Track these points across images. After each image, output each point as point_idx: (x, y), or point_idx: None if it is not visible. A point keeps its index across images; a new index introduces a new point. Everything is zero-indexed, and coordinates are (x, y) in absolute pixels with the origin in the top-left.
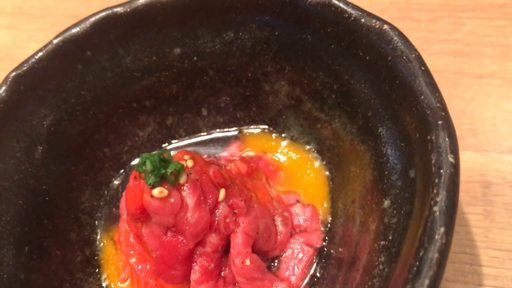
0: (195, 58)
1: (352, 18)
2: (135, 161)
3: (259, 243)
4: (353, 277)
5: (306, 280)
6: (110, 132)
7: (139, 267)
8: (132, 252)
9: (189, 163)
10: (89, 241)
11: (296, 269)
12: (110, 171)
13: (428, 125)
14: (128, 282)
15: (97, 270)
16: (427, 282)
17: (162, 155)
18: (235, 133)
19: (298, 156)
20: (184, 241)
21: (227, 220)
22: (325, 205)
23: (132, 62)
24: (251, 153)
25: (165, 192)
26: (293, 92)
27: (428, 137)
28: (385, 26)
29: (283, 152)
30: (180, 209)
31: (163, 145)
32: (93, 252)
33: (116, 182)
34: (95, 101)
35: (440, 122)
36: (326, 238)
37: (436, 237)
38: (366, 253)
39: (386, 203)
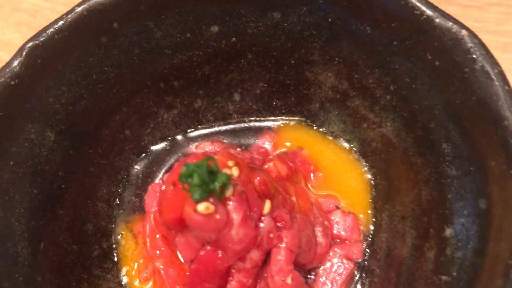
0: (234, 39)
1: (424, 17)
2: (157, 146)
3: (299, 257)
4: None
5: None
6: (132, 113)
7: (166, 271)
8: (158, 253)
9: (235, 172)
10: (106, 233)
11: (334, 285)
12: (130, 154)
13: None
14: (150, 284)
15: (115, 266)
16: None
17: (208, 164)
18: (269, 123)
19: (337, 155)
20: (224, 257)
21: (271, 235)
22: (369, 212)
23: (163, 37)
24: (283, 149)
25: (212, 208)
26: (340, 86)
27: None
28: (463, 32)
29: (321, 149)
30: (225, 226)
31: (189, 130)
32: (111, 245)
33: (136, 167)
34: (119, 79)
35: None
36: (367, 251)
37: None
38: (423, 284)
39: (449, 231)
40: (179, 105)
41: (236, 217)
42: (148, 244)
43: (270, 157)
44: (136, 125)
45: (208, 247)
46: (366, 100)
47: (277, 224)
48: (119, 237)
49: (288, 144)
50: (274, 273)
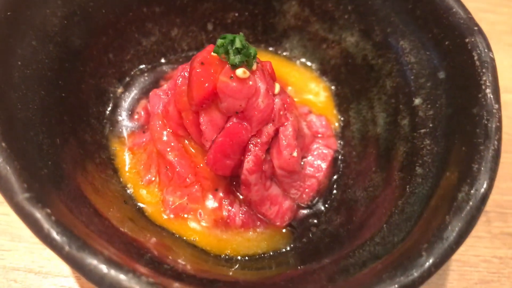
0: None
1: None
2: (137, 72)
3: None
4: (395, 160)
5: (330, 177)
6: (116, 37)
7: (179, 162)
8: (169, 149)
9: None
10: (102, 145)
11: (320, 168)
12: (113, 78)
13: (463, 31)
14: (156, 190)
15: (116, 173)
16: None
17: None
18: None
19: (302, 74)
20: (248, 128)
21: (281, 112)
22: (335, 115)
23: None
24: None
25: (247, 73)
26: (302, 13)
27: (466, 40)
28: None
29: (287, 70)
30: (254, 94)
31: (164, 59)
32: (108, 156)
33: (119, 91)
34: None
35: (475, 28)
36: (341, 142)
37: (494, 111)
38: (406, 141)
39: (417, 101)
40: (157, 33)
41: (262, 87)
42: (157, 141)
43: None
44: (119, 49)
45: (235, 120)
46: (325, 23)
47: (284, 105)
48: (114, 149)
49: None
50: (283, 148)
